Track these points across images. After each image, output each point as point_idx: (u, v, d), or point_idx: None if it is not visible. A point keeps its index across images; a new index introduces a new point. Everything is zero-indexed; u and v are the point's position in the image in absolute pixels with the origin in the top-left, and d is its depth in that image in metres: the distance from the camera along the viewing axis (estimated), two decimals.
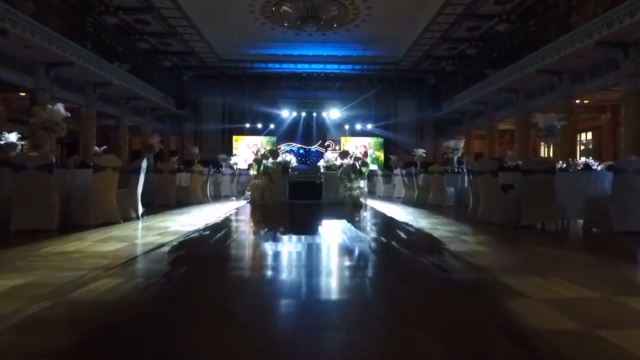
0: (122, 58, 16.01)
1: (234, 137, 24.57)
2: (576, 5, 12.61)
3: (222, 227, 5.49)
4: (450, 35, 17.53)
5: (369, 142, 25.07)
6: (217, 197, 10.14)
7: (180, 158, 25.44)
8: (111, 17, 13.78)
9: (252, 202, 6.39)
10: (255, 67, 23.55)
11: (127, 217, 5.69)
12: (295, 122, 24.49)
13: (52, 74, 12.22)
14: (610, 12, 9.65)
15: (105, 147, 9.24)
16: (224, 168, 12.43)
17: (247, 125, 24.57)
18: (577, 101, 13.89)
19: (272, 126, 24.54)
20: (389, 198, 10.07)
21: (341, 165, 6.75)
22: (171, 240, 4.32)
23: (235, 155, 14.66)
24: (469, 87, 18.45)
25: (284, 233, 4.89)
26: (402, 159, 25.45)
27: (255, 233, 5.21)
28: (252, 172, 6.49)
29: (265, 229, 5.38)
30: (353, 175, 6.22)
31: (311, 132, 24.65)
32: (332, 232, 5.03)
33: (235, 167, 14.14)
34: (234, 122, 25.00)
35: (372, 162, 24.76)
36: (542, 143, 6.42)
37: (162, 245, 4.05)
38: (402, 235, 4.97)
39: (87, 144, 14.95)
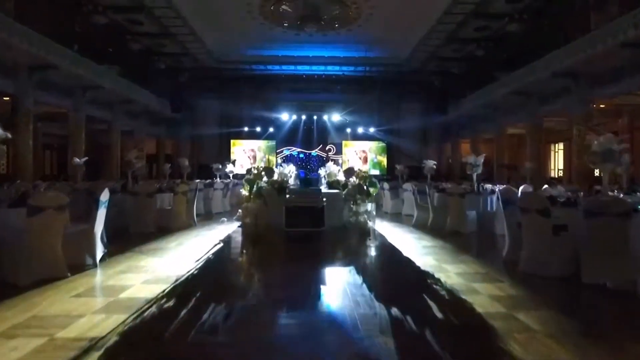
0: (113, 60, 15.24)
1: (232, 142, 23.76)
2: (595, 4, 11.78)
3: (193, 290, 3.95)
4: (458, 36, 16.74)
5: (370, 146, 24.24)
6: (208, 215, 8.96)
7: (174, 164, 24.75)
8: (100, 17, 12.99)
9: (244, 229, 5.47)
10: (254, 69, 22.76)
11: (81, 264, 4.52)
12: (295, 125, 23.73)
13: (35, 78, 11.45)
14: (638, 11, 8.84)
15: (86, 157, 8.44)
16: (218, 178, 11.59)
17: (246, 128, 23.80)
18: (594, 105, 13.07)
19: (271, 130, 23.78)
20: (397, 216, 8.98)
21: (346, 183, 5.89)
22: (110, 332, 2.94)
23: (230, 163, 13.77)
24: (477, 90, 17.63)
25: (274, 304, 3.68)
26: (405, 163, 24.88)
27: (235, 302, 3.66)
28: (244, 192, 5.60)
29: (251, 293, 4.05)
30: (359, 197, 5.37)
31: (312, 136, 23.90)
32: (336, 301, 3.75)
33: (231, 175, 13.32)
34: (232, 125, 24.21)
35: (374, 167, 23.96)
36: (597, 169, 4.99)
37: (89, 347, 2.69)
38: (431, 305, 3.62)
39: (75, 150, 14.14)
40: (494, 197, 5.60)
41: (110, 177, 15.99)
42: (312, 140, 23.83)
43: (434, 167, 8.37)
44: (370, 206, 5.32)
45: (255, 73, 23.35)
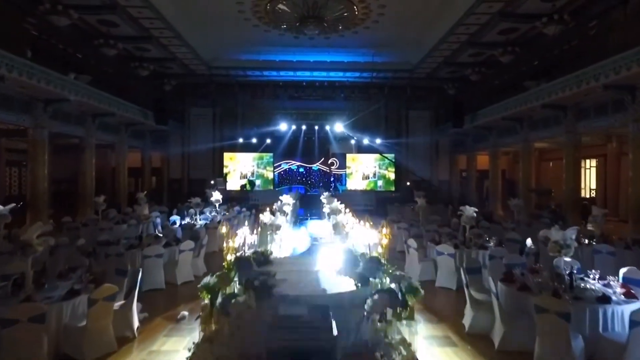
0: (82, 67, 13.16)
1: (225, 155, 21.66)
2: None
3: None
4: (479, 39, 14.64)
5: (377, 158, 22.10)
6: (168, 295, 5.97)
7: (157, 181, 22.68)
8: (61, 18, 10.90)
9: None
10: (249, 75, 20.67)
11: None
12: (295, 136, 21.65)
13: None
14: None
15: (13, 204, 6.32)
16: (198, 215, 9.46)
17: (240, 140, 21.69)
18: None
19: (268, 141, 21.69)
20: (428, 289, 5.98)
21: (364, 275, 3.70)
22: None
23: (213, 190, 11.59)
24: (500, 100, 15.51)
25: None
26: (411, 178, 22.90)
27: None
28: (205, 300, 3.43)
29: None
30: (393, 314, 3.20)
31: (313, 148, 21.82)
32: None
33: (217, 204, 11.20)
34: (226, 136, 22.13)
35: (380, 178, 21.89)
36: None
37: None
38: None
39: (35, 175, 12.07)
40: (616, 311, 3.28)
41: (84, 209, 13.94)
42: (313, 153, 21.74)
43: (474, 214, 6.14)
44: (409, 330, 3.17)
45: (251, 79, 21.26)
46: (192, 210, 9.57)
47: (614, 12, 10.97)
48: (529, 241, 6.20)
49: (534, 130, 15.14)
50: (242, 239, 4.84)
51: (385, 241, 4.19)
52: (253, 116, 22.32)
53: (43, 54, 10.90)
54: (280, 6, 13.62)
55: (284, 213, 7.39)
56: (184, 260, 6.03)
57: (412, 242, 6.37)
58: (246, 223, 9.71)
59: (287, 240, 5.68)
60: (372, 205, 18.18)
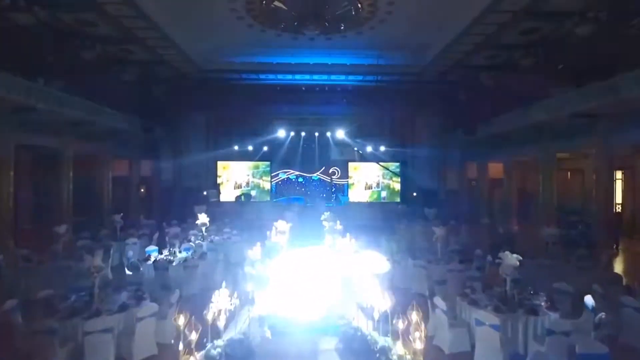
0: (55, 72, 11.76)
1: (219, 163, 20.23)
2: None
3: None
4: (497, 40, 13.24)
5: (380, 167, 20.65)
6: None
7: (146, 190, 21.25)
8: (25, 16, 9.50)
9: None
10: (244, 79, 19.24)
11: None
12: (294, 144, 20.26)
13: None
14: None
15: None
16: (178, 249, 7.97)
17: (236, 147, 20.27)
18: None
19: (265, 149, 20.28)
20: None
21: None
22: None
23: (200, 216, 10.08)
24: (519, 107, 14.12)
25: None
26: (417, 188, 21.48)
27: None
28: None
29: None
30: None
31: (312, 157, 20.41)
32: None
33: (203, 228, 9.74)
34: (220, 143, 20.73)
35: (384, 189, 20.48)
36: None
37: None
38: None
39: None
40: None
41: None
42: (313, 162, 20.32)
43: (517, 264, 4.70)
44: None
45: (246, 83, 19.82)
46: (174, 241, 8.04)
47: None
48: (589, 300, 4.79)
49: (557, 139, 13.71)
50: (216, 311, 3.46)
51: (419, 346, 2.80)
52: (249, 122, 20.95)
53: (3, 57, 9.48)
54: (277, 3, 12.22)
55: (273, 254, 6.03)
56: (144, 330, 4.60)
57: (439, 302, 4.89)
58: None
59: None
60: (377, 219, 16.75)
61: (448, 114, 21.09)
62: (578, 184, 17.76)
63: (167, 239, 9.20)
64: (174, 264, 7.08)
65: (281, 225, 8.36)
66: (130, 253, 7.76)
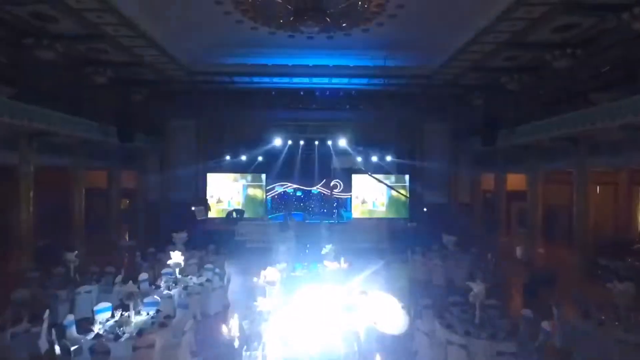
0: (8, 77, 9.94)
1: (209, 176, 18.35)
2: None
3: None
4: (524, 39, 11.39)
5: (388, 180, 18.74)
6: None
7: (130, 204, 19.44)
8: None
9: None
10: (236, 82, 17.40)
11: None
12: (292, 154, 18.40)
13: None
14: None
15: None
16: (134, 313, 5.97)
17: (228, 157, 18.42)
18: None
19: (260, 159, 18.41)
20: None
21: None
22: None
23: (177, 250, 8.19)
24: (549, 114, 12.27)
25: None
26: (429, 200, 19.70)
27: None
28: None
29: None
30: None
31: (312, 168, 18.54)
32: None
33: (176, 270, 7.84)
34: (211, 153, 18.88)
35: (391, 205, 18.59)
36: None
37: None
38: None
39: None
40: None
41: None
42: (312, 174, 18.46)
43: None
44: None
45: (238, 87, 17.99)
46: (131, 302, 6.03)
47: None
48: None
49: (595, 154, 11.83)
50: None
51: None
52: (243, 129, 19.11)
53: None
54: None
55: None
56: None
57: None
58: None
59: None
60: (383, 241, 14.85)
61: (459, 120, 19.28)
62: (608, 198, 15.90)
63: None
64: (122, 339, 5.16)
65: (270, 274, 6.51)
66: (70, 319, 5.71)
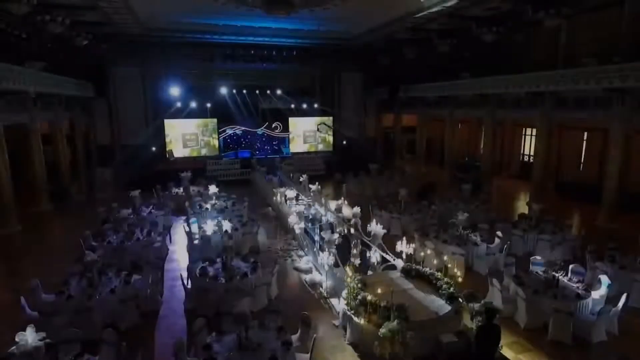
0: (32, 51, 11.57)
1: (166, 122, 20.74)
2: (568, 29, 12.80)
3: None
4: (423, 26, 16.59)
5: (316, 121, 23.51)
6: None
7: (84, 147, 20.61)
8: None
9: None
10: (186, 37, 19.46)
11: None
12: (237, 101, 21.64)
13: None
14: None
15: None
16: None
17: (178, 104, 20.85)
18: None
19: (208, 105, 21.27)
20: None
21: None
22: None
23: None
24: (433, 80, 18.26)
25: None
26: (344, 138, 25.17)
27: None
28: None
29: None
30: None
31: (255, 112, 22.23)
32: None
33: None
34: (160, 100, 20.96)
35: (321, 142, 23.62)
36: None
37: None
38: None
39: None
40: None
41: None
42: (256, 118, 22.22)
43: (465, 218, 8.68)
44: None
45: (186, 40, 20.00)
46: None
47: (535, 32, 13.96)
48: (499, 234, 9.19)
49: (459, 107, 18.44)
50: None
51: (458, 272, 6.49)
52: (188, 78, 21.37)
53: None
54: None
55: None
56: None
57: (428, 243, 8.82)
58: None
59: None
60: (322, 170, 20.07)
61: (370, 73, 24.56)
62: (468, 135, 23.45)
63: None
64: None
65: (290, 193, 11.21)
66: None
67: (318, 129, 23.09)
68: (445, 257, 7.13)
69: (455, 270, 6.69)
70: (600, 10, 12.13)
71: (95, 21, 14.92)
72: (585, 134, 15.99)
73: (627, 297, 6.76)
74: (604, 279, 6.94)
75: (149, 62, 20.71)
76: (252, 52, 21.46)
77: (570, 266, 7.53)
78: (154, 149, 20.49)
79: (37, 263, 9.48)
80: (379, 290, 6.29)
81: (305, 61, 22.73)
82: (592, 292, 6.83)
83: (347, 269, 7.04)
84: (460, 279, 6.56)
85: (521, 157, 19.14)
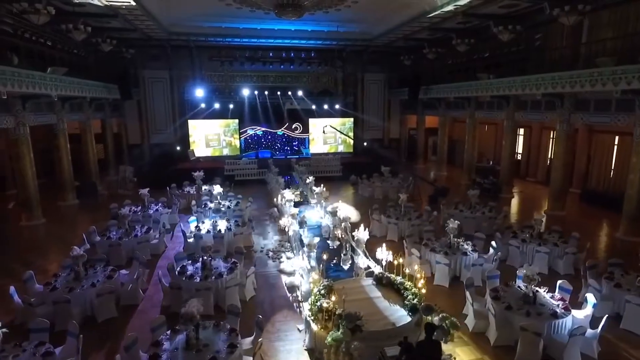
0: (57, 57, 12.49)
1: (190, 123, 21.57)
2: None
3: None
4: (440, 26, 16.10)
5: (337, 122, 23.44)
6: None
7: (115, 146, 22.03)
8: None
9: None
10: (209, 40, 20.16)
11: None
12: (258, 101, 22.05)
13: None
14: None
15: None
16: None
17: (202, 105, 21.61)
18: None
19: (231, 106, 21.86)
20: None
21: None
22: None
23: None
24: (453, 80, 17.66)
25: None
26: (370, 137, 24.94)
27: None
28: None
29: None
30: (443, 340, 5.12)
31: (276, 113, 22.55)
32: None
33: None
34: (187, 101, 21.83)
35: (341, 143, 23.54)
36: None
37: None
38: None
39: (24, 177, 12.10)
40: None
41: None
42: (277, 118, 22.53)
43: (457, 227, 8.30)
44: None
45: (209, 43, 20.70)
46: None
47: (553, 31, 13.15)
48: (494, 243, 8.70)
49: (480, 109, 17.69)
50: None
51: (422, 282, 6.28)
52: (213, 79, 22.07)
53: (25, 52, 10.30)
54: None
55: None
56: None
57: (414, 251, 8.55)
58: None
59: None
60: (338, 172, 20.00)
61: (393, 74, 24.18)
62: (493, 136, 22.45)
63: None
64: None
65: (289, 194, 11.29)
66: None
67: (324, 131, 23.00)
68: (416, 267, 6.92)
69: (420, 277, 6.47)
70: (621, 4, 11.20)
71: (121, 27, 15.93)
72: (617, 137, 14.81)
73: (615, 319, 6.24)
74: (590, 298, 6.44)
75: (176, 65, 21.67)
76: (273, 53, 21.84)
77: (559, 282, 7.05)
78: (178, 148, 21.44)
79: (45, 254, 10.24)
80: (343, 297, 6.25)
81: (327, 62, 22.77)
82: (575, 312, 6.36)
83: (314, 273, 7.01)
84: (423, 290, 6.32)
85: (548, 162, 18.03)
